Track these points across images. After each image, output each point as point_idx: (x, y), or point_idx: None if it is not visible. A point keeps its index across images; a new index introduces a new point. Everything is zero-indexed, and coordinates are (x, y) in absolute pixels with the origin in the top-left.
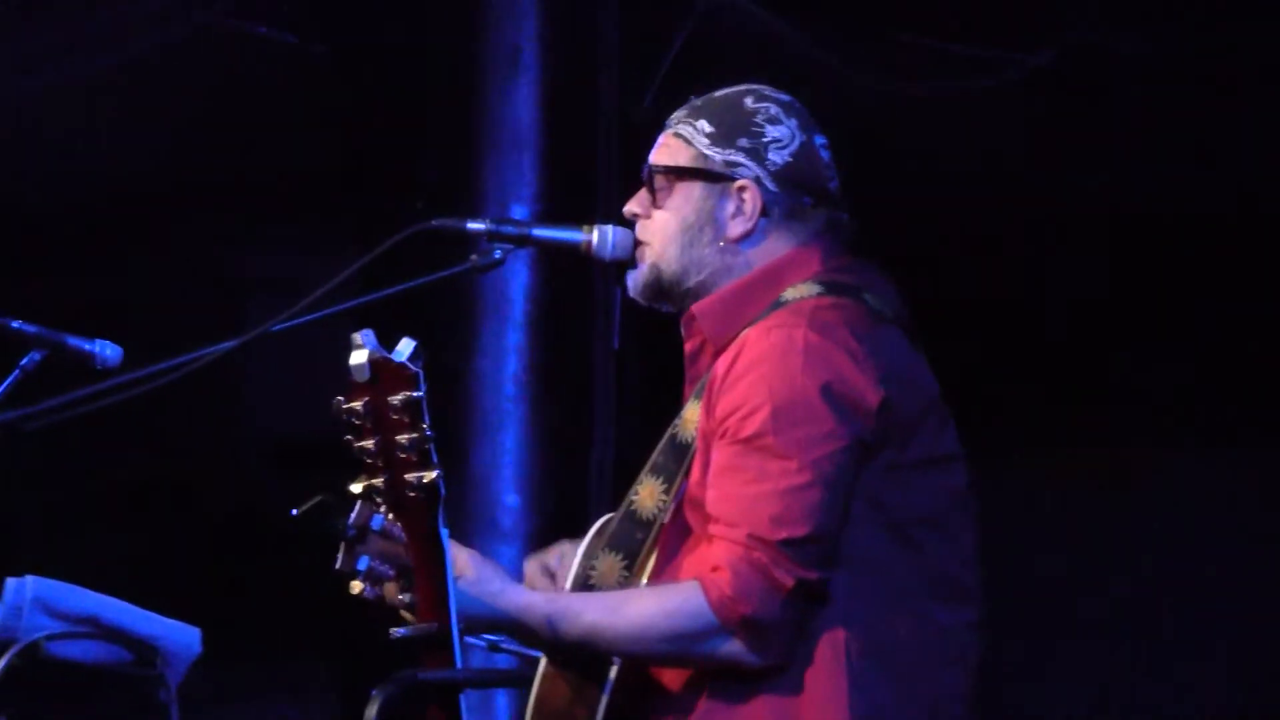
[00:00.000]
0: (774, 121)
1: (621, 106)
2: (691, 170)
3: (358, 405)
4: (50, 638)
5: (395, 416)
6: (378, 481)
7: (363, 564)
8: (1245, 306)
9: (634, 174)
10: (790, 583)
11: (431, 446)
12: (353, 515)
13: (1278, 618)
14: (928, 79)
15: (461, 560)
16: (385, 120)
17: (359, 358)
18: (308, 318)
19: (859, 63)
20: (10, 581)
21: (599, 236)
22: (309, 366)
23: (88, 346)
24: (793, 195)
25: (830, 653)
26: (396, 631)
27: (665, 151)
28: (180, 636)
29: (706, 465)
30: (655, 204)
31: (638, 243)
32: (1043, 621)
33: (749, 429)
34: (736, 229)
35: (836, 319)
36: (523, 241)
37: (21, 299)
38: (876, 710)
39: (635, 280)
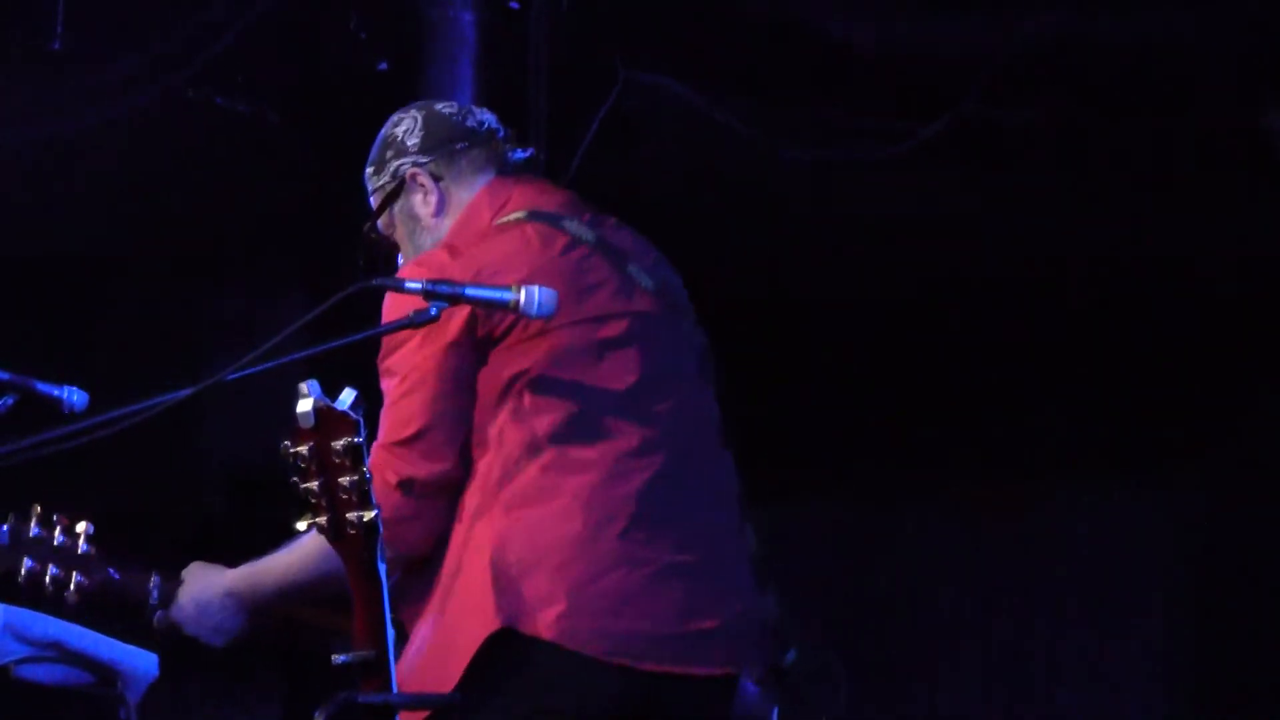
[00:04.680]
0: (398, 123)
1: (549, 174)
2: (381, 205)
3: (303, 449)
4: (19, 662)
5: (337, 460)
6: (321, 520)
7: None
8: (1132, 353)
9: None
10: (394, 479)
11: (370, 488)
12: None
13: (1169, 645)
14: (836, 147)
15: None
16: (332, 182)
17: (305, 406)
18: (258, 368)
19: (771, 132)
20: None
21: (525, 295)
22: (262, 408)
23: (56, 392)
24: (443, 151)
25: (476, 543)
26: (338, 657)
27: (373, 211)
28: (139, 661)
29: None
30: (395, 246)
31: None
32: (939, 647)
33: (379, 361)
34: (429, 206)
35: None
36: (456, 300)
37: None
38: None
39: None
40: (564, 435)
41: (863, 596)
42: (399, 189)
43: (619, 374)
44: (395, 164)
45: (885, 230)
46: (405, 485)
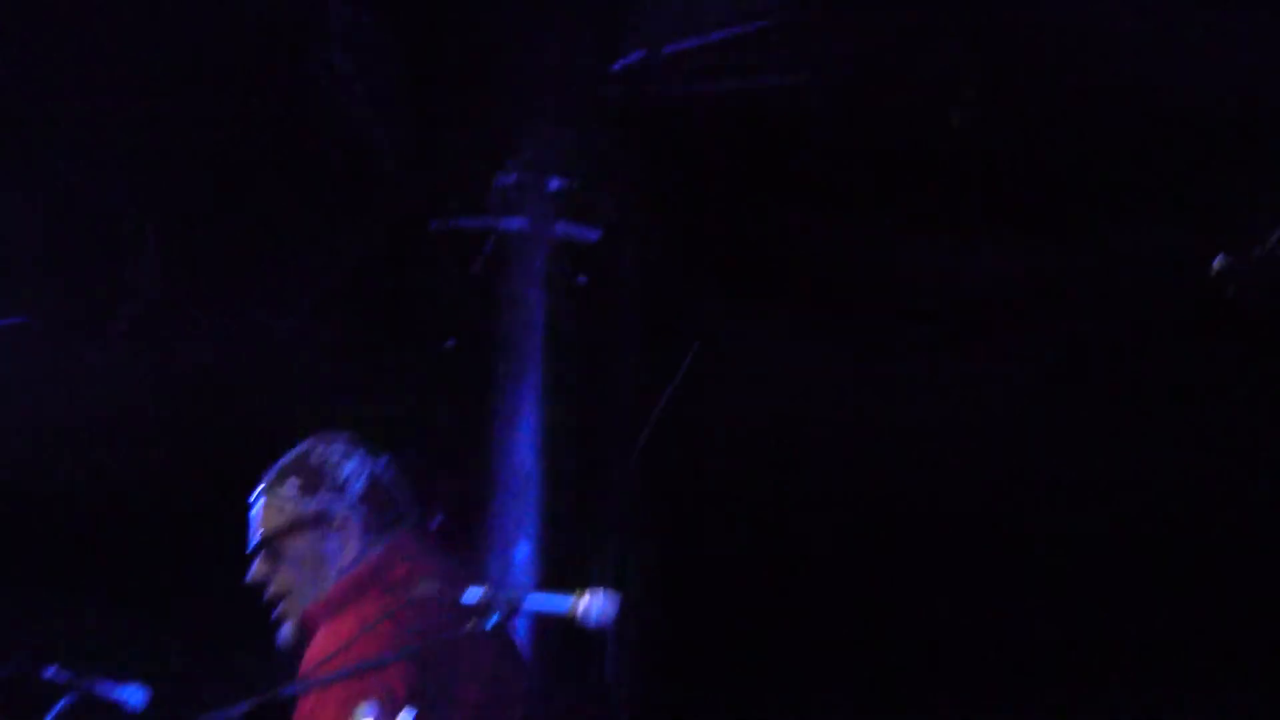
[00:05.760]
0: (345, 456)
1: (619, 454)
2: (291, 529)
3: None
4: None
5: None
6: None
7: None
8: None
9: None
10: None
11: None
12: None
13: None
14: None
15: None
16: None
17: None
18: (309, 684)
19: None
20: None
21: (586, 603)
22: None
23: (116, 693)
24: (382, 514)
25: None
26: None
27: (267, 518)
28: None
29: None
30: (276, 563)
31: (281, 599)
32: None
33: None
34: (344, 557)
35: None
36: (516, 608)
37: (51, 640)
38: None
39: (286, 636)
40: None
41: None
42: (318, 523)
43: None
44: (329, 500)
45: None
46: None
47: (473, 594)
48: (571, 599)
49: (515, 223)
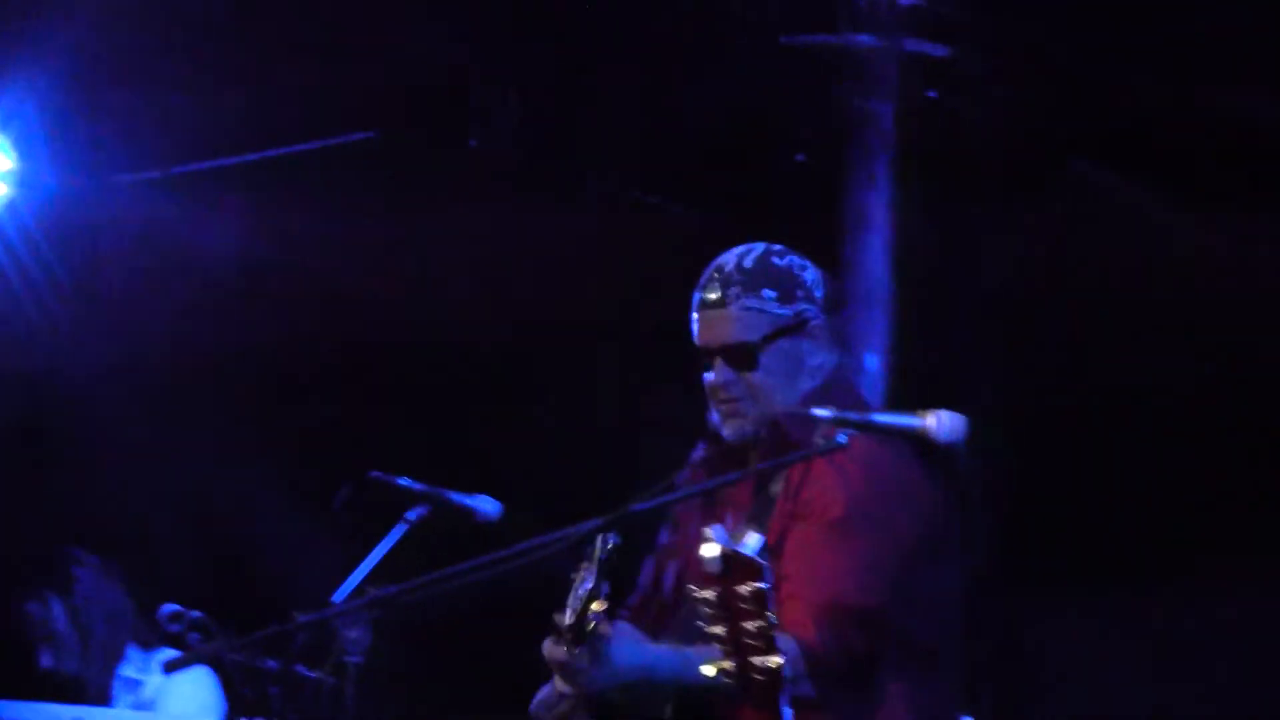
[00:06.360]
0: (803, 267)
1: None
2: (777, 332)
3: (710, 594)
4: None
5: (743, 606)
6: (727, 665)
7: None
8: None
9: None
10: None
11: (775, 634)
12: None
13: None
14: None
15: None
16: None
17: (711, 551)
18: (664, 499)
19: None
20: None
21: (936, 421)
22: None
23: (468, 502)
24: (835, 320)
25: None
26: None
27: (744, 324)
28: None
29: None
30: (746, 368)
31: (734, 403)
32: None
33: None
34: (815, 359)
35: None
36: (865, 427)
37: (405, 455)
38: None
39: (736, 432)
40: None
41: None
42: (797, 329)
43: None
44: (803, 306)
45: None
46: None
47: (826, 409)
48: (919, 418)
49: (865, 38)
